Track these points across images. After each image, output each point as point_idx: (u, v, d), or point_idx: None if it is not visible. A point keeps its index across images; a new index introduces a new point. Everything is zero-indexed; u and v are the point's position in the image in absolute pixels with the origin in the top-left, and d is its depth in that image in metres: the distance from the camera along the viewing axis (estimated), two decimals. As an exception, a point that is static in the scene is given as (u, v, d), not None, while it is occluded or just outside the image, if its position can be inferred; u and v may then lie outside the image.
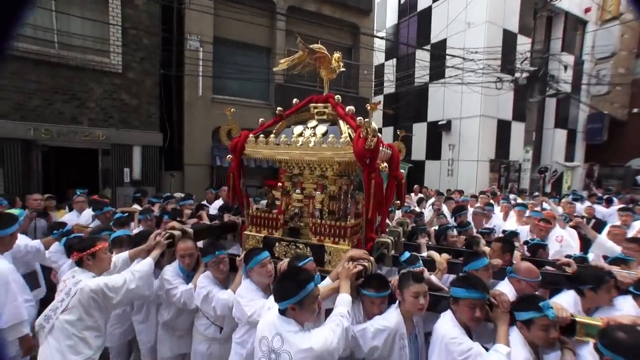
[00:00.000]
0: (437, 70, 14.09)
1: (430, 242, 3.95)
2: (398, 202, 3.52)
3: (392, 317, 2.20)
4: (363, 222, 2.88)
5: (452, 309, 2.10)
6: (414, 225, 4.56)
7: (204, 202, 6.45)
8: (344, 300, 2.11)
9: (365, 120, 2.51)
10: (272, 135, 3.01)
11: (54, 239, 3.66)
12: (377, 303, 2.30)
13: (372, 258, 2.56)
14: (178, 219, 4.67)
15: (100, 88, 8.52)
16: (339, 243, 2.80)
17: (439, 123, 14.59)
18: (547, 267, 3.10)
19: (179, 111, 10.06)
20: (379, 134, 3.09)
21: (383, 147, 2.93)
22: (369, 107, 2.63)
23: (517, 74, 13.26)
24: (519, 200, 8.59)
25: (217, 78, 10.16)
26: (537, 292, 2.61)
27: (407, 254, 2.89)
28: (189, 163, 9.93)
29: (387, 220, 4.56)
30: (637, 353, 1.50)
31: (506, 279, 2.71)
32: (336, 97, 2.97)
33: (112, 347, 3.32)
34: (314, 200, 2.97)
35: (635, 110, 19.15)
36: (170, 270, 2.87)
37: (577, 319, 2.02)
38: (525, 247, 3.97)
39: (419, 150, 15.76)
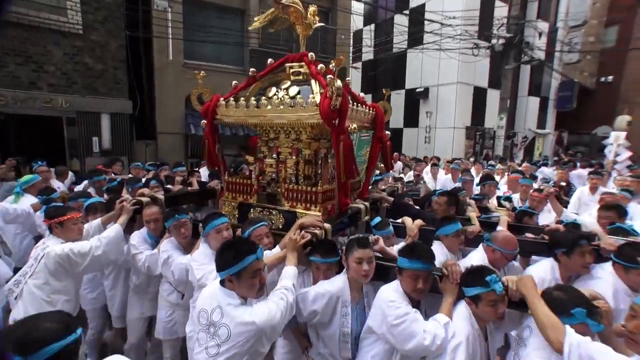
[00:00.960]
0: (416, 37, 13.94)
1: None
2: (382, 165, 3.39)
3: (335, 283, 2.11)
4: (336, 187, 2.78)
5: (398, 278, 2.01)
6: (401, 191, 4.49)
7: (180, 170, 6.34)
8: (289, 273, 2.02)
9: (329, 76, 2.37)
10: (242, 99, 2.88)
11: (40, 203, 3.78)
12: (322, 269, 2.20)
13: (326, 225, 2.43)
14: (169, 185, 4.79)
15: (59, 50, 7.93)
16: (310, 209, 2.73)
17: (417, 90, 14.62)
18: (527, 235, 3.00)
19: (149, 77, 9.56)
20: (350, 93, 2.96)
21: (360, 107, 2.87)
22: (333, 63, 2.53)
23: (494, 41, 13.31)
24: (500, 166, 8.82)
25: (189, 41, 9.64)
26: (515, 262, 2.58)
27: (377, 219, 2.82)
28: (162, 131, 9.56)
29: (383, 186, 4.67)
30: (565, 306, 1.55)
31: (480, 246, 2.59)
32: (310, 54, 2.83)
33: (87, 311, 3.33)
34: (286, 165, 2.92)
35: (602, 79, 19.79)
36: (137, 236, 2.88)
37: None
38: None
39: (396, 118, 15.78)
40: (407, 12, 14.64)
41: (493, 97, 14.63)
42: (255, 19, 3.05)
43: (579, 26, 17.30)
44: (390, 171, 7.24)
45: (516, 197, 4.96)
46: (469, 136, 14.30)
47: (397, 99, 15.60)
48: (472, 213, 3.30)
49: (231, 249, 1.73)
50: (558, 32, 16.78)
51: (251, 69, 3.10)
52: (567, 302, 1.55)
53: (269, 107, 2.69)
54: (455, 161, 8.22)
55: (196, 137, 9.74)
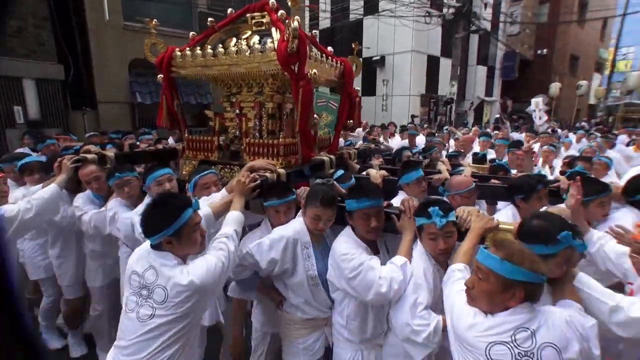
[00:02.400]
0: (371, 4, 13.83)
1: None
2: (351, 121, 3.27)
3: (291, 226, 1.97)
4: (298, 140, 2.65)
5: (350, 224, 1.89)
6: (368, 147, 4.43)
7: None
8: (232, 217, 1.84)
9: (284, 17, 2.25)
10: (198, 49, 2.67)
11: None
12: (282, 210, 2.04)
13: (280, 170, 2.32)
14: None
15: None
16: (273, 163, 2.57)
17: (374, 59, 14.72)
18: (493, 181, 3.02)
19: (83, 39, 8.43)
20: (315, 44, 2.88)
21: (327, 59, 2.79)
22: (289, 2, 2.37)
23: (445, 9, 13.60)
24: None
25: (128, 0, 8.62)
26: (476, 206, 2.47)
27: (340, 172, 2.72)
28: (103, 100, 8.59)
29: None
30: (550, 233, 1.40)
31: (445, 198, 2.53)
32: (271, 2, 2.65)
33: (41, 280, 3.04)
34: (247, 118, 2.79)
35: (539, 51, 21.40)
36: (82, 197, 2.66)
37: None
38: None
39: (354, 85, 15.75)
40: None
41: (445, 66, 15.13)
42: None
43: (519, 0, 18.29)
44: (357, 131, 7.36)
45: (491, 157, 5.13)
46: (424, 103, 14.72)
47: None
48: (442, 166, 3.31)
49: (163, 206, 1.52)
50: (502, 4, 17.58)
51: (209, 19, 2.93)
52: (550, 228, 1.42)
53: (226, 56, 2.52)
54: (409, 125, 8.55)
55: (143, 106, 8.90)
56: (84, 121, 8.27)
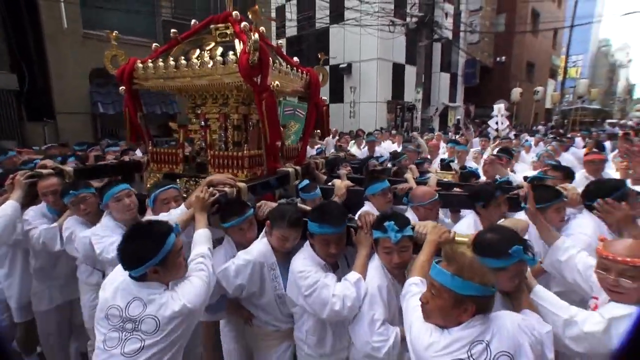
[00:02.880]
0: (337, 13, 14.16)
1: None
2: (318, 131, 3.29)
3: (255, 250, 1.92)
4: (264, 151, 2.67)
5: (309, 241, 1.88)
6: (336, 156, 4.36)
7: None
8: (202, 236, 1.82)
9: (247, 28, 2.26)
10: (160, 60, 2.62)
11: None
12: (245, 227, 2.00)
13: (240, 184, 2.28)
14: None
15: None
16: (237, 175, 2.58)
17: (340, 66, 15.04)
18: (456, 189, 3.00)
19: (39, 48, 8.14)
20: (281, 54, 2.92)
21: (293, 70, 2.81)
22: (249, 14, 2.43)
23: (408, 19, 14.14)
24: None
25: (87, 8, 8.42)
26: (438, 215, 2.56)
27: (305, 182, 2.73)
28: (62, 111, 8.30)
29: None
30: (501, 247, 1.40)
31: (409, 209, 2.57)
32: (234, 13, 2.65)
33: None
34: (211, 130, 2.77)
35: (498, 59, 22.61)
36: (33, 211, 2.54)
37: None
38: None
39: (322, 93, 15.94)
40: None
41: (410, 73, 15.65)
42: None
43: (477, 11, 19.32)
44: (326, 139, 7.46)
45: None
46: (391, 110, 15.18)
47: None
48: (409, 175, 3.31)
49: (144, 236, 1.46)
50: (461, 15, 18.46)
51: (172, 30, 2.86)
52: (502, 242, 1.43)
53: (189, 68, 2.48)
54: (375, 133, 8.78)
55: (106, 117, 8.68)
56: (44, 132, 7.96)
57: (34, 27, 8.00)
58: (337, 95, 15.91)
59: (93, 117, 8.79)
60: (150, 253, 1.41)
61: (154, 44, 2.94)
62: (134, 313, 1.41)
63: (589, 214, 2.15)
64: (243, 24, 2.54)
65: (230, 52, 2.41)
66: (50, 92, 8.20)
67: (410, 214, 2.44)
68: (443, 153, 6.30)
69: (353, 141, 8.34)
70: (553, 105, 23.03)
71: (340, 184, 2.83)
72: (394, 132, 11.84)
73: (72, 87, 8.33)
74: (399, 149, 6.72)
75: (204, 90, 2.72)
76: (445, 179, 3.63)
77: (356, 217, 1.95)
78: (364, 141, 8.05)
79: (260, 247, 1.94)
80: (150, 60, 2.69)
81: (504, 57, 22.29)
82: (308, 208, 2.17)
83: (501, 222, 2.01)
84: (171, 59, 2.61)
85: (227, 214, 2.00)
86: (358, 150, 7.36)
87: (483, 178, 3.72)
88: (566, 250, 1.76)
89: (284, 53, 3.12)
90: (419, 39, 14.78)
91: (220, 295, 1.99)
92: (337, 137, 9.56)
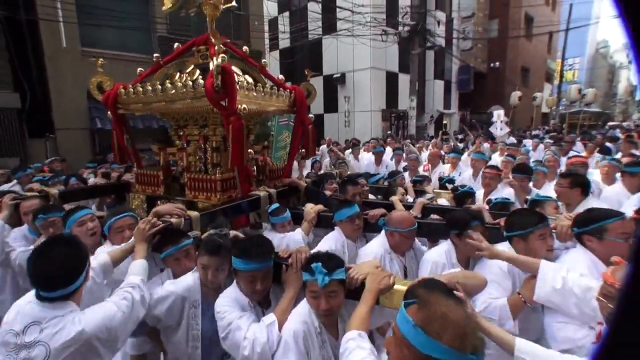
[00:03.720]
0: (329, 24, 14.46)
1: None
2: (303, 150, 3.23)
3: (182, 282, 1.84)
4: (236, 174, 2.65)
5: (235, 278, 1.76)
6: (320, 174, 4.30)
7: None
8: (136, 267, 1.78)
9: (199, 49, 2.32)
10: (139, 86, 2.69)
11: None
12: (181, 257, 1.94)
13: (193, 213, 2.21)
14: (107, 181, 4.53)
15: None
16: (210, 198, 2.60)
17: (334, 76, 15.32)
18: (433, 217, 2.76)
19: (40, 66, 8.45)
20: (265, 74, 2.98)
21: (276, 89, 2.83)
22: (212, 38, 2.43)
23: (400, 28, 14.41)
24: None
25: (85, 26, 8.72)
26: (412, 245, 2.37)
27: (274, 206, 2.67)
28: (62, 127, 8.58)
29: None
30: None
31: (382, 232, 2.41)
32: (212, 33, 2.71)
33: None
34: (187, 152, 2.81)
35: (492, 64, 22.83)
36: (15, 232, 2.66)
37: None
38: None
39: (317, 104, 16.26)
40: (319, -1, 15.11)
41: (404, 81, 15.89)
42: (165, 1, 2.85)
43: (469, 17, 19.58)
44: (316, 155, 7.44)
45: (467, 174, 4.78)
46: (385, 118, 15.39)
47: (316, 85, 16.01)
48: (396, 197, 3.09)
49: (53, 261, 1.39)
50: (454, 22, 18.74)
51: (155, 55, 2.94)
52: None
53: (163, 93, 2.52)
54: (371, 142, 8.84)
55: (104, 132, 8.92)
56: (47, 148, 8.23)
57: (35, 46, 8.33)
58: (331, 105, 16.12)
59: (91, 133, 9.06)
60: (69, 278, 1.38)
61: (155, 55, 2.97)
62: (29, 338, 1.29)
63: (583, 251, 1.81)
64: (215, 47, 2.49)
65: (200, 77, 2.47)
66: (50, 109, 8.50)
67: (381, 238, 2.37)
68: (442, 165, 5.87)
69: (349, 150, 7.95)
70: (550, 109, 23.08)
71: (310, 209, 2.69)
72: (388, 140, 11.98)
73: (71, 104, 8.61)
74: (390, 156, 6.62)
75: (181, 113, 2.74)
76: (439, 201, 3.38)
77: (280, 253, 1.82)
78: (361, 151, 7.81)
79: (188, 280, 1.85)
80: (131, 86, 2.75)
81: (497, 63, 22.53)
82: (242, 235, 2.07)
83: (442, 274, 1.69)
84: (148, 84, 2.65)
85: (161, 243, 1.95)
86: (355, 161, 7.05)
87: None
88: (555, 274, 1.56)
89: (268, 70, 3.14)
90: (411, 47, 15.04)
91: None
92: (330, 146, 9.68)
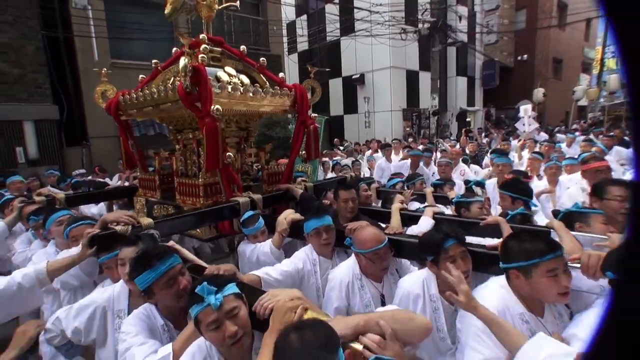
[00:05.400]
0: (347, 25, 14.45)
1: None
2: (304, 152, 3.04)
3: (107, 290, 1.75)
4: (220, 178, 2.56)
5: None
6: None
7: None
8: (53, 261, 1.83)
9: (189, 52, 2.25)
10: (133, 93, 2.76)
11: None
12: (112, 267, 1.88)
13: (145, 220, 2.09)
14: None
15: (-36, 56, 7.32)
16: (196, 204, 2.59)
17: (353, 77, 15.25)
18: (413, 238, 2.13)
19: (75, 79, 9.09)
20: (262, 71, 2.90)
21: (271, 88, 2.75)
22: (181, 39, 2.39)
23: (420, 25, 14.16)
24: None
25: (114, 40, 9.29)
26: (385, 268, 1.95)
27: (248, 214, 2.49)
28: (95, 136, 9.18)
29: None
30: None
31: (352, 255, 2.06)
32: (201, 36, 2.69)
33: None
34: (175, 157, 2.81)
35: (519, 57, 21.86)
36: (22, 237, 2.82)
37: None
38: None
39: (336, 105, 16.38)
40: (336, 1, 15.10)
41: (425, 79, 15.57)
42: (167, 7, 2.92)
43: (493, 10, 18.91)
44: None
45: (492, 182, 3.85)
46: (406, 118, 15.20)
47: (335, 86, 16.13)
48: (395, 205, 2.69)
49: None
50: (477, 15, 18.19)
51: (154, 60, 2.99)
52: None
53: (151, 97, 2.52)
54: (393, 143, 8.40)
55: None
56: (83, 154, 8.84)
57: (71, 62, 8.97)
58: (351, 106, 16.10)
59: (119, 140, 9.58)
60: None
61: (141, 76, 3.07)
62: None
63: None
64: (203, 46, 2.51)
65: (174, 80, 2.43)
66: (84, 119, 9.10)
67: (351, 261, 2.03)
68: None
69: (380, 152, 7.33)
70: (590, 102, 21.39)
71: (282, 218, 2.39)
72: (410, 140, 11.79)
73: (103, 114, 9.08)
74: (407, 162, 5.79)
75: (177, 117, 2.80)
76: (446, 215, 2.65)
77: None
78: (391, 151, 6.83)
79: (114, 288, 1.75)
80: (127, 93, 2.81)
81: (525, 56, 21.57)
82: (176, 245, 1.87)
83: (373, 311, 1.44)
84: (139, 91, 2.68)
85: (99, 250, 1.91)
86: (386, 164, 6.29)
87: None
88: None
89: (265, 69, 3.03)
90: (432, 44, 14.76)
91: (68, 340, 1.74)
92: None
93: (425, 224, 2.36)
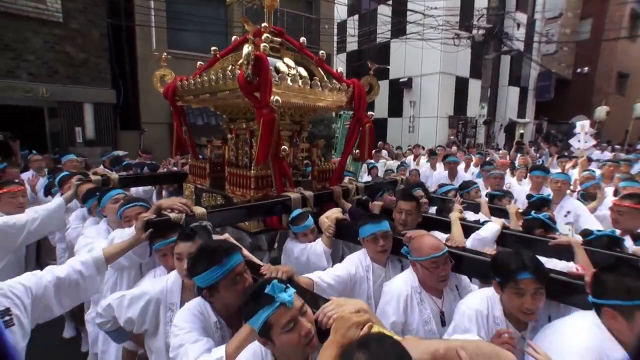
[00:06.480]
0: (399, 27, 14.15)
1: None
2: (357, 151, 2.95)
3: (159, 282, 1.75)
4: (272, 171, 2.50)
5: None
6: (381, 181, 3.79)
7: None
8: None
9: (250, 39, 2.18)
10: (191, 79, 2.73)
11: None
12: (168, 254, 1.84)
13: (199, 209, 2.05)
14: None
15: (38, 39, 7.81)
16: (245, 195, 2.55)
17: (401, 80, 14.92)
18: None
19: (132, 66, 9.50)
20: (320, 64, 2.83)
21: (330, 82, 2.66)
22: (245, 24, 2.35)
23: (474, 31, 13.61)
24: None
25: (172, 30, 9.62)
26: (445, 280, 1.79)
27: (296, 212, 2.43)
28: (147, 121, 9.54)
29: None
30: None
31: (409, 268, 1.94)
32: (263, 25, 2.64)
33: None
34: (228, 146, 2.80)
35: (579, 70, 20.45)
36: (77, 212, 2.89)
37: None
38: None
39: (381, 108, 16.08)
40: (390, 2, 14.82)
41: (474, 87, 15.00)
42: None
43: (556, 18, 17.79)
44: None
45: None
46: (452, 125, 14.65)
47: (382, 89, 15.82)
48: (455, 214, 2.51)
49: None
50: (536, 23, 17.21)
51: (212, 48, 2.96)
52: None
53: (209, 85, 2.48)
54: (437, 149, 8.04)
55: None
56: (141, 140, 9.21)
57: (130, 50, 9.37)
58: (396, 110, 15.80)
59: (171, 127, 9.91)
60: None
61: (199, 63, 3.06)
62: None
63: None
64: (264, 35, 2.47)
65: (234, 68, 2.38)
66: (138, 105, 9.48)
67: (409, 272, 1.92)
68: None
69: (426, 159, 7.04)
70: None
71: (324, 218, 2.35)
72: (454, 148, 11.34)
73: (156, 100, 9.50)
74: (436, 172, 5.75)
75: (232, 106, 2.76)
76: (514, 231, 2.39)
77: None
78: (436, 159, 6.46)
79: (167, 279, 1.74)
80: (185, 79, 2.79)
81: (586, 68, 20.11)
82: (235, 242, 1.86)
83: (452, 339, 1.32)
84: (198, 77, 2.64)
85: (153, 236, 1.86)
86: (431, 171, 6.11)
87: (562, 228, 2.47)
88: None
89: (324, 63, 2.97)
90: (485, 51, 14.16)
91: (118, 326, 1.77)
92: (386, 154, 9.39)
93: (491, 231, 2.23)
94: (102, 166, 5.65)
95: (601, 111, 14.25)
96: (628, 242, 2.21)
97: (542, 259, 1.68)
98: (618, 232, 2.31)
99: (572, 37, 19.50)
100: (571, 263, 1.80)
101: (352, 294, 1.95)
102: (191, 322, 1.42)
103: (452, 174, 5.21)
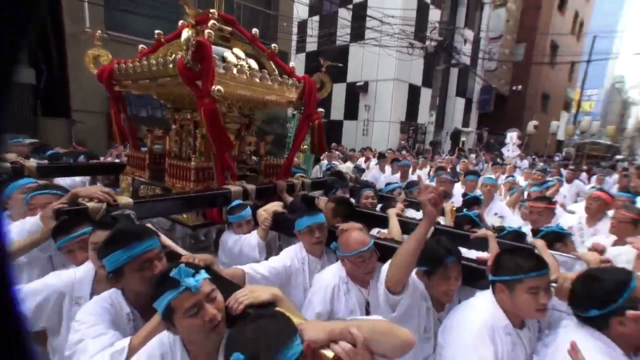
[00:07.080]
0: (358, 31, 14.29)
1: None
2: (306, 147, 3.00)
3: (65, 275, 1.57)
4: (214, 163, 2.46)
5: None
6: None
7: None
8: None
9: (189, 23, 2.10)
10: (130, 61, 2.55)
11: None
12: (75, 250, 1.68)
13: (124, 199, 1.93)
14: None
15: None
16: (185, 188, 2.49)
17: (357, 84, 15.10)
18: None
19: (60, 45, 8.20)
20: (272, 58, 2.79)
21: (280, 77, 2.61)
22: (186, 7, 2.20)
23: (427, 42, 14.17)
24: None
25: (111, 10, 8.53)
26: (368, 270, 1.84)
27: (235, 202, 2.39)
28: (79, 109, 8.30)
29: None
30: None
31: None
32: (211, 11, 2.56)
33: None
34: (168, 137, 2.72)
35: (514, 88, 22.58)
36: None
37: None
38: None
39: (337, 110, 16.16)
40: (350, 6, 14.90)
41: (425, 95, 15.64)
42: None
43: (497, 38, 19.37)
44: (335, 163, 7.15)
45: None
46: (403, 130, 15.12)
47: (339, 92, 15.91)
48: (393, 210, 2.57)
49: None
50: (481, 41, 18.49)
51: (157, 31, 2.82)
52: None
53: (147, 69, 2.33)
54: (387, 152, 8.37)
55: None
56: (72, 130, 8.01)
57: (55, 24, 8.06)
58: (351, 113, 15.95)
59: (107, 117, 8.78)
60: None
61: (141, 46, 2.88)
62: None
63: (585, 330, 1.30)
64: (211, 22, 2.39)
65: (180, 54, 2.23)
66: (67, 89, 8.22)
67: (338, 264, 1.92)
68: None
69: (375, 161, 7.33)
70: (567, 137, 22.87)
71: (262, 210, 2.33)
72: (404, 152, 11.69)
73: (90, 86, 8.31)
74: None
75: (173, 95, 2.64)
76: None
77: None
78: (386, 162, 6.79)
79: (76, 271, 1.56)
80: (124, 62, 2.60)
81: (520, 87, 22.23)
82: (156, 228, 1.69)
83: (345, 318, 1.30)
84: (137, 61, 2.47)
85: (56, 231, 1.64)
86: (380, 173, 6.37)
87: (492, 220, 3.00)
88: None
89: (276, 56, 2.91)
90: (436, 62, 14.82)
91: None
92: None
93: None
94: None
95: (530, 125, 15.90)
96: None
97: (464, 250, 1.93)
98: (529, 228, 2.69)
99: (510, 57, 21.36)
100: (485, 253, 2.00)
101: (287, 286, 1.99)
102: (97, 316, 1.29)
103: (404, 176, 5.54)
